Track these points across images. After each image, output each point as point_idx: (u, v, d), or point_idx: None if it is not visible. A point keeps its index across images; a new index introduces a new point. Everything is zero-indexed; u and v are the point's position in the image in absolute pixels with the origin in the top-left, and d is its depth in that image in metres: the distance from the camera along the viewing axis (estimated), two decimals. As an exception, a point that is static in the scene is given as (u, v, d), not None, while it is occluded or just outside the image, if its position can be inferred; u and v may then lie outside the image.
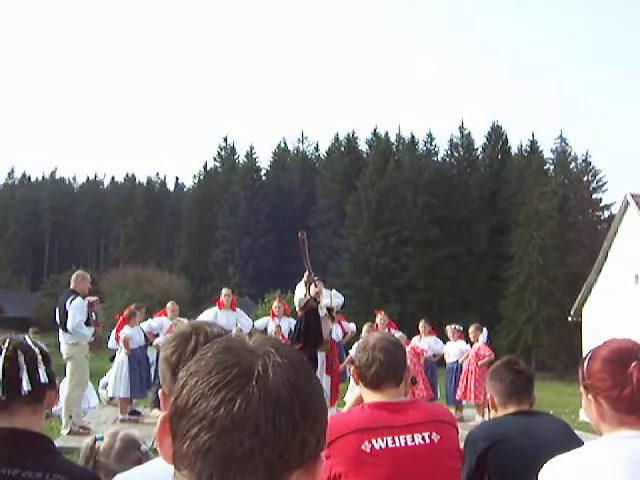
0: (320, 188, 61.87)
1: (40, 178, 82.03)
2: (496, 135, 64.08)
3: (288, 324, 10.62)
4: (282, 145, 74.45)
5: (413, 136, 61.52)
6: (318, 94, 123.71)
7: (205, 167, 72.61)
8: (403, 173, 55.23)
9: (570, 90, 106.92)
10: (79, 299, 7.91)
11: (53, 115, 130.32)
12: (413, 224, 51.98)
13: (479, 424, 3.19)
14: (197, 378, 0.77)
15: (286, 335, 10.17)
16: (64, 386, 7.79)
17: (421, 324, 11.64)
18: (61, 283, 39.83)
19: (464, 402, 10.85)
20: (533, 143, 63.01)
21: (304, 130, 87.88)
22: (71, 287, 8.13)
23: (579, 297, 23.59)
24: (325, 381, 9.10)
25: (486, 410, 8.02)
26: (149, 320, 10.35)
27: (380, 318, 10.99)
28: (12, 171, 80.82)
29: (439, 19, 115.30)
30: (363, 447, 2.29)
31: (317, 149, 73.16)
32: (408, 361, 2.86)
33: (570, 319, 24.21)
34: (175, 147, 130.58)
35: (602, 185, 53.45)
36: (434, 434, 2.39)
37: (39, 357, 1.68)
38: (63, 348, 8.04)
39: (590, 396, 1.77)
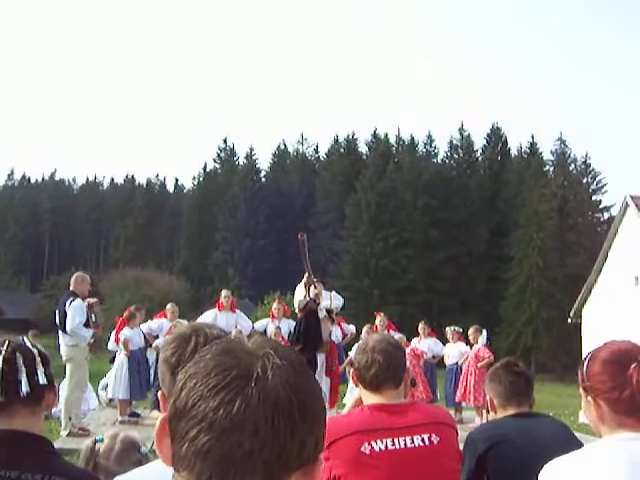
0: (320, 190, 61.91)
1: (40, 179, 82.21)
2: (496, 137, 64.17)
3: (288, 326, 10.61)
4: (282, 147, 74.61)
5: (413, 138, 61.72)
6: (318, 95, 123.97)
7: (205, 169, 72.74)
8: (403, 175, 55.28)
9: (570, 90, 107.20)
10: (79, 300, 7.90)
11: (53, 116, 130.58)
12: (413, 226, 52.01)
13: (479, 426, 3.19)
14: (196, 380, 0.77)
15: (286, 337, 10.16)
16: (64, 387, 7.79)
17: (421, 326, 11.64)
18: (61, 285, 39.86)
19: (464, 404, 10.84)
20: (533, 145, 63.10)
21: (304, 132, 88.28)
22: (71, 289, 8.12)
23: (579, 299, 23.60)
24: (325, 383, 9.09)
25: (484, 412, 8.02)
26: (149, 322, 10.34)
27: (380, 320, 10.99)
28: (12, 172, 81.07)
29: (439, 19, 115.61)
30: (363, 449, 2.29)
31: (317, 151, 73.37)
32: (408, 363, 2.86)
33: (570, 321, 24.22)
34: (175, 148, 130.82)
35: (602, 187, 53.57)
36: (434, 436, 2.39)
37: (38, 359, 1.68)
38: (63, 350, 8.03)
39: (590, 398, 1.77)
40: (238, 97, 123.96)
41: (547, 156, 60.18)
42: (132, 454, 2.26)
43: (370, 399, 2.47)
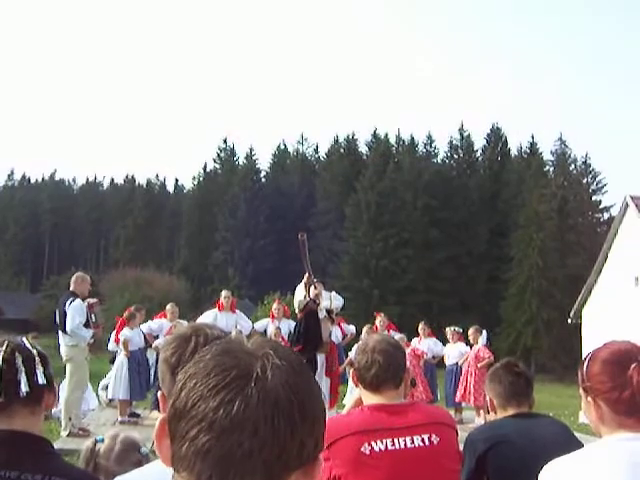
0: (320, 190, 61.89)
1: (40, 180, 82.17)
2: (496, 137, 64.16)
3: (288, 326, 10.61)
4: (282, 147, 74.59)
5: (413, 138, 61.67)
6: (318, 95, 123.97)
7: (205, 169, 72.73)
8: (403, 175, 55.27)
9: (570, 90, 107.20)
10: (78, 301, 7.91)
11: (53, 117, 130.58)
12: (413, 226, 52.01)
13: (479, 426, 3.19)
14: (196, 380, 0.77)
15: (286, 337, 10.16)
16: (64, 388, 7.79)
17: (421, 326, 11.65)
18: (61, 285, 39.86)
19: (464, 404, 10.85)
20: (533, 145, 63.08)
21: (304, 132, 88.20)
22: (71, 289, 8.12)
23: (579, 299, 23.60)
24: (325, 383, 9.09)
25: (484, 412, 8.02)
26: (149, 322, 10.34)
27: (380, 320, 10.99)
28: (12, 173, 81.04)
29: (439, 19, 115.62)
30: (363, 449, 2.29)
31: (317, 151, 73.34)
32: (408, 363, 2.86)
33: (570, 321, 24.21)
34: (175, 149, 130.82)
35: (602, 187, 53.54)
36: (434, 436, 2.39)
37: (37, 359, 1.68)
38: (63, 350, 8.03)
39: (590, 398, 1.77)
40: (238, 97, 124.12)
41: (547, 156, 60.30)
42: (132, 454, 2.26)
43: (370, 399, 2.47)
